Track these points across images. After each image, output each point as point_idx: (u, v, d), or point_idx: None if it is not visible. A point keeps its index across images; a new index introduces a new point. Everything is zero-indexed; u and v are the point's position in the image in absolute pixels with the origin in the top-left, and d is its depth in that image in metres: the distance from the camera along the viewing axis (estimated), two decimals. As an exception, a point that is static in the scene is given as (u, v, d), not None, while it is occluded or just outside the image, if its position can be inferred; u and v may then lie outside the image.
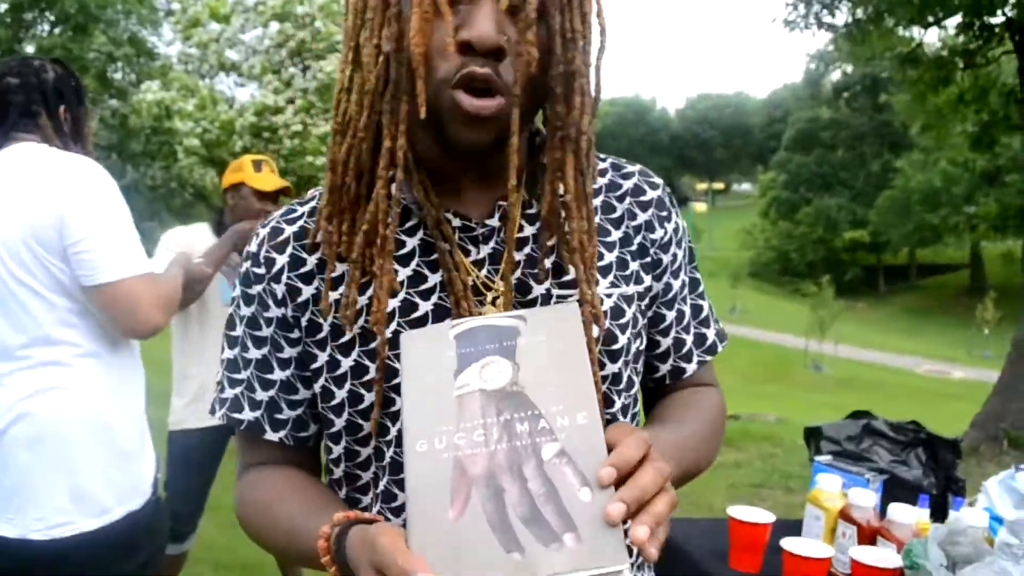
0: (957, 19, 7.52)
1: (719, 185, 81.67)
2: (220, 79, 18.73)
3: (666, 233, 1.01)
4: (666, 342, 1.03)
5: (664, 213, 1.01)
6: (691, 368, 1.05)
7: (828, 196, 44.56)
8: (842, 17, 7.46)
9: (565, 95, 0.87)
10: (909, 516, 1.62)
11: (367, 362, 0.89)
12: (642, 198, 1.01)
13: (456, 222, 0.91)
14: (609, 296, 0.95)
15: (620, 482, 0.70)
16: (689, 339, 1.05)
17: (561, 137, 0.88)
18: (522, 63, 0.83)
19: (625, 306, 0.96)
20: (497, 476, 0.70)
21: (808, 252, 44.29)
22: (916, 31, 7.98)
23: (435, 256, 0.90)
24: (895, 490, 1.90)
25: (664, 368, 1.05)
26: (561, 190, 0.89)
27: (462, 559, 0.67)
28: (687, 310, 1.05)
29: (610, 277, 0.96)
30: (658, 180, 1.04)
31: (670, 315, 1.03)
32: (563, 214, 0.89)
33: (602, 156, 1.03)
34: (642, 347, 1.00)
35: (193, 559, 3.73)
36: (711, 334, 1.07)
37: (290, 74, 16.93)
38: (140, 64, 19.23)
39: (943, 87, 8.25)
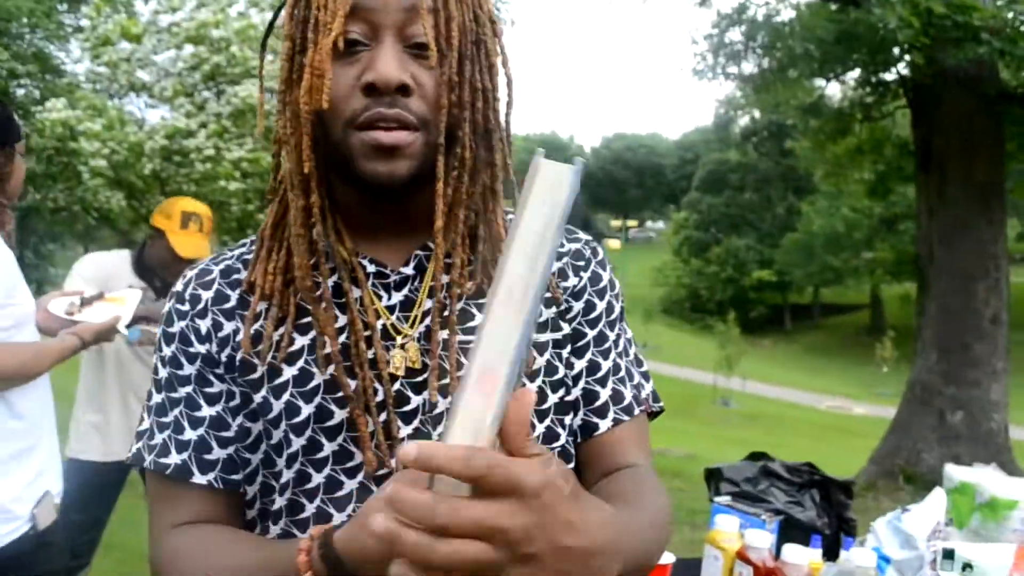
0: (855, 74, 7.93)
1: (632, 223, 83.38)
2: (130, 100, 18.24)
3: (580, 281, 1.02)
4: (576, 392, 1.00)
5: (580, 263, 1.03)
6: (604, 424, 1.00)
7: (736, 236, 45.98)
8: (748, 68, 7.79)
9: (481, 142, 0.92)
10: (802, 557, 1.67)
11: (272, 399, 0.91)
12: (559, 249, 1.01)
13: (371, 268, 0.94)
14: None
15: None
16: (605, 393, 1.01)
17: (488, 183, 0.93)
18: (429, 98, 0.87)
19: (536, 353, 0.96)
20: None
21: (718, 290, 45.49)
22: (819, 82, 8.38)
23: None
24: (790, 530, 1.95)
25: (576, 421, 1.00)
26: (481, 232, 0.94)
27: None
28: (604, 363, 1.02)
29: None
30: (581, 235, 1.07)
31: (579, 364, 1.01)
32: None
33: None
34: (568, 399, 0.98)
35: (86, 601, 3.56)
36: (628, 394, 1.03)
37: (203, 98, 16.60)
38: (45, 81, 18.59)
39: (841, 137, 8.68)
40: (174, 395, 0.95)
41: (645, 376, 1.08)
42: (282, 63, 0.92)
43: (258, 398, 0.91)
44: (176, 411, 0.95)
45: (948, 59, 6.27)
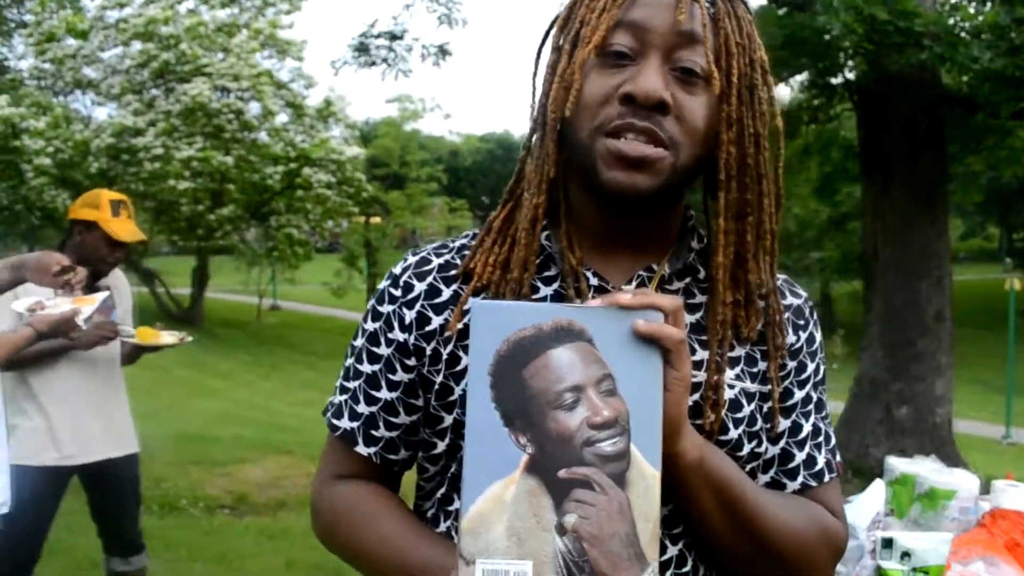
0: (803, 76, 8.09)
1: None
2: (76, 97, 17.86)
3: (798, 341, 1.02)
4: (773, 451, 1.00)
5: (800, 322, 1.03)
6: (792, 487, 1.00)
7: (690, 236, 46.52)
8: (700, 69, 7.88)
9: (743, 185, 0.94)
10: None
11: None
12: (782, 301, 1.01)
13: (594, 280, 0.95)
14: (731, 387, 0.95)
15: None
16: (800, 456, 1.01)
17: (750, 222, 0.95)
18: (686, 123, 0.89)
19: (745, 401, 0.96)
20: None
21: (671, 289, 45.74)
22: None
23: None
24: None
25: (763, 479, 1.00)
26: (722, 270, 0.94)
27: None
28: (806, 426, 1.01)
29: (736, 369, 0.96)
30: (802, 292, 1.06)
31: (783, 423, 1.00)
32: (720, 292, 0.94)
33: None
34: (759, 451, 0.98)
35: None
36: (821, 460, 1.02)
37: (152, 95, 16.32)
38: (-13, 78, 18.12)
39: (790, 140, 8.85)
40: (361, 368, 1.01)
41: None
42: (545, 75, 0.96)
43: (459, 389, 0.94)
44: (358, 383, 1.01)
45: (891, 64, 6.43)
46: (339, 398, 1.03)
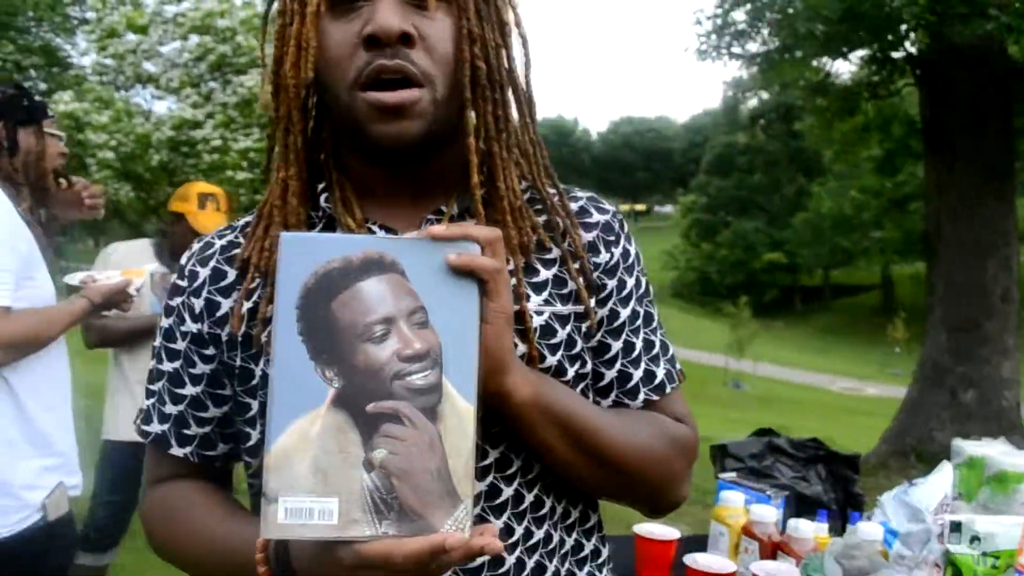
0: (863, 52, 7.87)
1: (641, 207, 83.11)
2: (136, 91, 18.26)
3: (612, 258, 0.97)
4: (610, 374, 0.97)
5: (611, 237, 0.98)
6: (635, 405, 0.98)
7: (746, 219, 45.77)
8: (754, 48, 7.73)
9: (496, 100, 0.90)
10: (808, 531, 1.68)
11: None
12: (587, 220, 0.98)
13: (380, 234, 0.91)
14: (540, 314, 0.91)
15: None
16: (637, 374, 0.98)
17: (504, 142, 0.92)
18: (434, 52, 0.85)
19: (558, 326, 0.92)
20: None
21: (728, 274, 45.24)
22: (826, 61, 8.33)
23: None
24: (799, 506, 1.96)
25: (606, 403, 0.98)
26: (502, 194, 0.91)
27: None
28: (637, 343, 0.99)
29: (544, 294, 0.92)
30: (609, 206, 1.01)
31: (616, 345, 0.97)
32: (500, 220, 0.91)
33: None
34: (584, 372, 0.95)
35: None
36: (660, 372, 1.00)
37: (210, 88, 16.60)
38: (52, 74, 18.64)
39: (848, 116, 8.63)
40: (162, 367, 0.98)
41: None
42: (275, 41, 0.91)
43: (259, 372, 0.91)
44: (161, 383, 0.98)
45: (955, 36, 6.21)
46: (147, 403, 1.00)
